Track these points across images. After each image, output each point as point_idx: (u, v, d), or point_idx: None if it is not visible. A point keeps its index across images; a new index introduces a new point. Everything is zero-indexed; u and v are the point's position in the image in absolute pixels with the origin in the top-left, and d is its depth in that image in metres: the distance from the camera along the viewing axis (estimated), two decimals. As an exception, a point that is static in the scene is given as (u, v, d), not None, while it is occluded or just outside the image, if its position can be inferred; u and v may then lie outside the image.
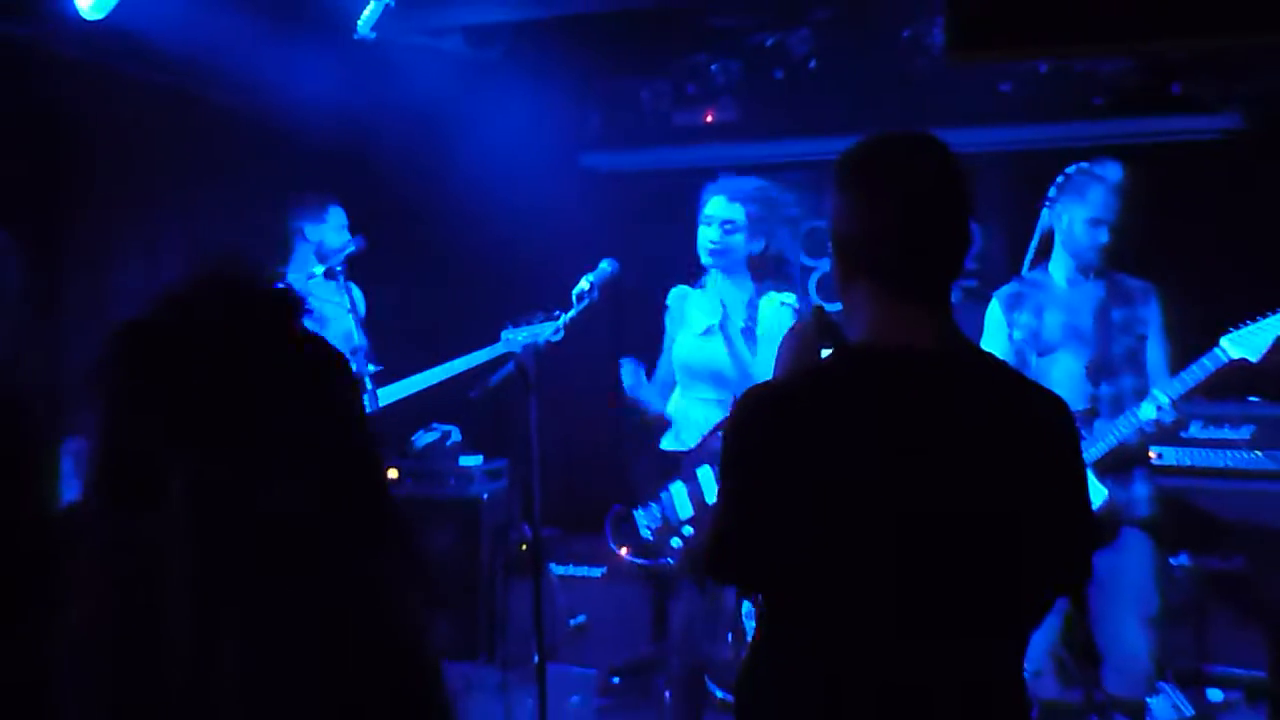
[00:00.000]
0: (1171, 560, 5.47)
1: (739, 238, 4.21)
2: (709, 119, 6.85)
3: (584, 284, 4.18)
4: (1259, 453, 5.47)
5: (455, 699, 1.75)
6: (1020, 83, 6.10)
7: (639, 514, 4.26)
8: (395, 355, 5.58)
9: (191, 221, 5.98)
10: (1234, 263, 5.98)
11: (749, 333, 4.21)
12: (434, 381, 5.50)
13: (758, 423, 1.96)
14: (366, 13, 5.35)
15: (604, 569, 5.75)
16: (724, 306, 4.23)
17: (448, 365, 5.46)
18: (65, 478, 4.98)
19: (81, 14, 4.44)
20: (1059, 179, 4.35)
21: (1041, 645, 4.29)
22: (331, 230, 5.57)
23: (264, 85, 5.75)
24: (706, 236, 4.21)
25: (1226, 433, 5.56)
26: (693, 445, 4.25)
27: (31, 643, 2.51)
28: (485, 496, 6.34)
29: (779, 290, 4.27)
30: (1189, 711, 5.27)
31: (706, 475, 4.17)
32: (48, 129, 5.07)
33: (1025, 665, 4.19)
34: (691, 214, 4.35)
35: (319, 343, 1.65)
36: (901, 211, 1.94)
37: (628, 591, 4.31)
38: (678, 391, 4.40)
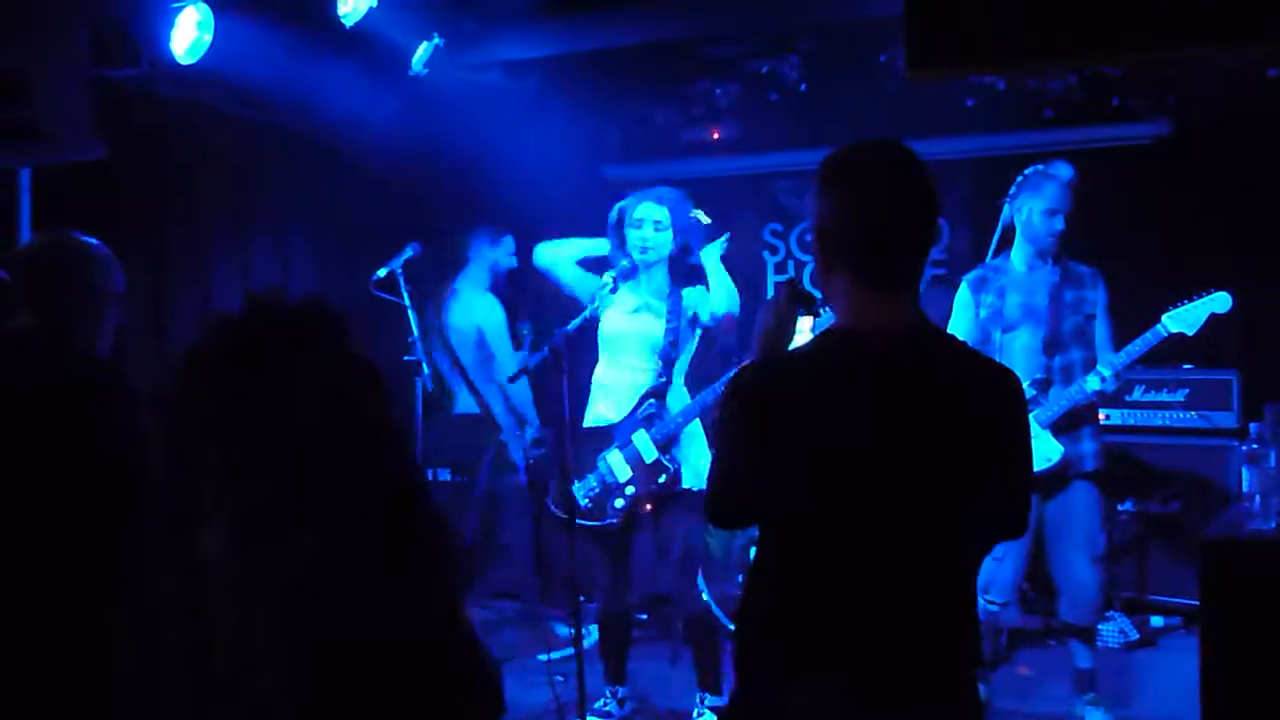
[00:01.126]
0: (1118, 506, 5.46)
1: (666, 235, 4.21)
2: (714, 136, 6.85)
3: (606, 278, 4.17)
4: (1193, 413, 5.48)
5: (497, 670, 1.69)
6: (981, 99, 6.08)
7: (576, 487, 4.23)
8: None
9: (278, 239, 5.99)
10: (1168, 251, 5.94)
11: (674, 313, 4.23)
12: None
13: (754, 392, 1.98)
14: (419, 52, 5.32)
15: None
16: (652, 291, 4.28)
17: None
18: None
19: (177, 59, 4.42)
20: (1019, 179, 4.37)
21: (1009, 581, 4.29)
22: (505, 253, 5.77)
23: (336, 116, 5.76)
24: (638, 236, 4.20)
25: (1165, 395, 5.56)
26: (623, 417, 4.24)
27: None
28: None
29: (691, 286, 4.29)
30: (1134, 635, 5.26)
31: (642, 438, 4.16)
32: (152, 161, 5.08)
33: (996, 598, 4.20)
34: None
35: (357, 361, 1.56)
36: (874, 209, 1.94)
37: (640, 532, 4.29)
38: (603, 363, 4.38)
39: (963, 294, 4.40)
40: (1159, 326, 4.09)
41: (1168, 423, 5.55)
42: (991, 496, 1.95)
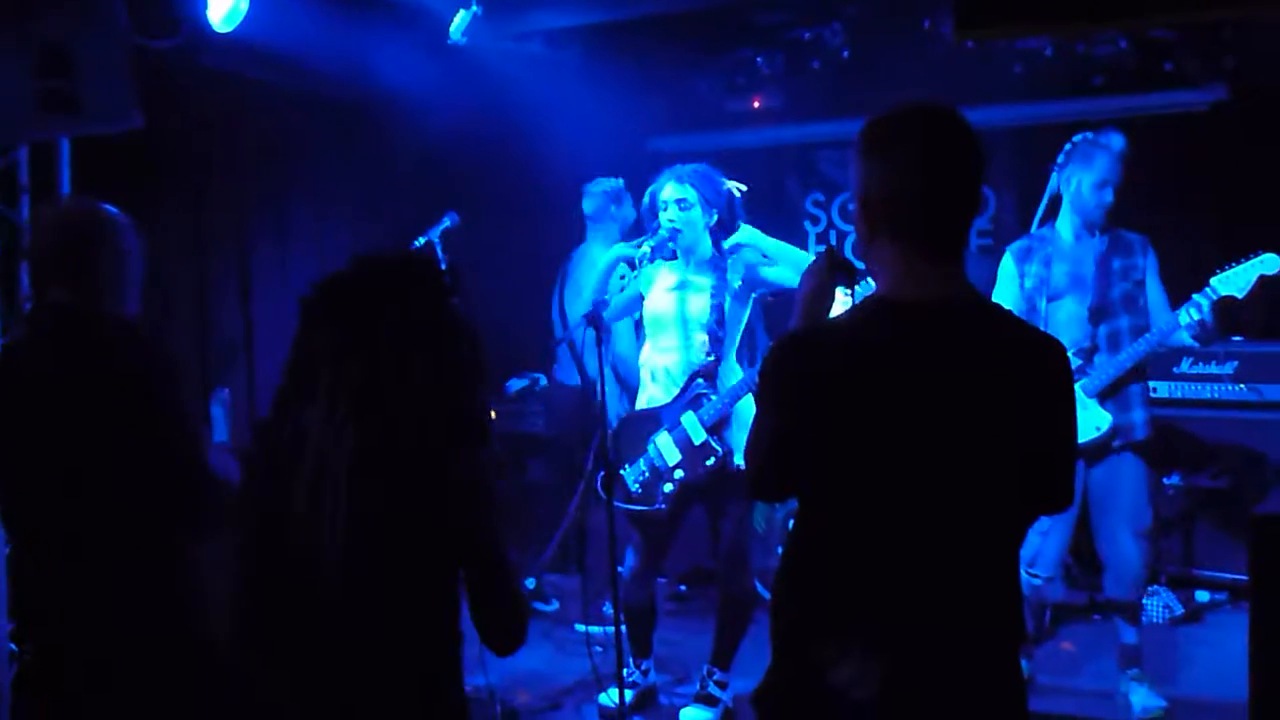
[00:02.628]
0: (1164, 480, 5.38)
1: (696, 212, 4.11)
2: (756, 105, 6.77)
3: (645, 248, 4.09)
4: (1241, 386, 5.39)
5: (518, 570, 2.12)
6: (1028, 65, 5.95)
7: (625, 472, 4.18)
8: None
9: (316, 203, 5.99)
10: (1224, 219, 5.81)
11: (719, 288, 4.12)
12: None
13: (796, 361, 1.93)
14: (458, 20, 5.28)
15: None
16: (693, 267, 4.19)
17: None
18: (215, 422, 5.04)
19: (214, 27, 4.41)
20: (1066, 147, 4.26)
21: (1053, 556, 4.24)
22: (630, 208, 5.55)
23: (375, 85, 5.74)
24: (666, 218, 4.11)
25: (1213, 368, 5.46)
26: (672, 398, 4.16)
27: (183, 565, 2.54)
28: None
29: (735, 254, 4.19)
30: (1180, 610, 5.18)
31: (690, 420, 4.10)
32: (191, 131, 5.09)
33: (1041, 573, 4.14)
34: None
35: (453, 307, 1.97)
36: (920, 174, 1.88)
37: (690, 510, 4.25)
38: (649, 345, 4.30)
39: (1006, 264, 4.32)
40: (1208, 289, 3.98)
41: (1217, 395, 5.45)
42: (1035, 468, 1.89)
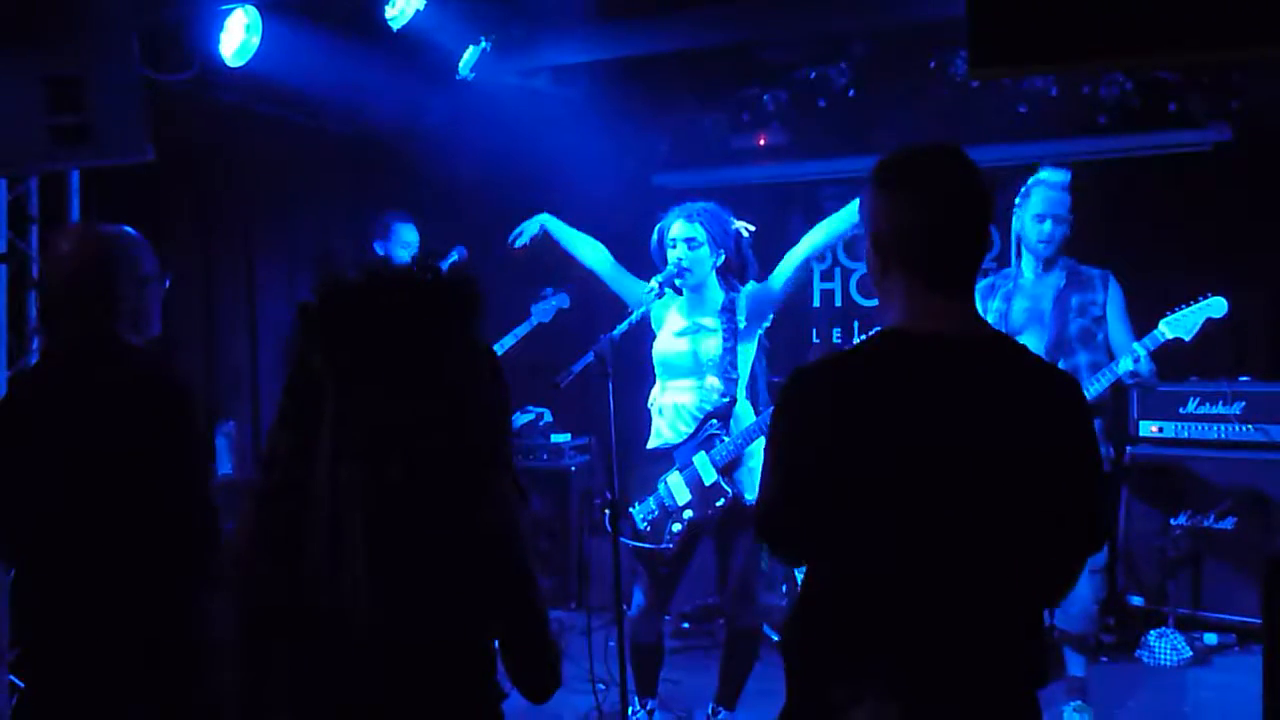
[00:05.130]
0: (1171, 520, 5.36)
1: (704, 251, 4.11)
2: (762, 142, 6.79)
3: (653, 283, 4.10)
4: (1249, 426, 5.37)
5: (546, 608, 1.88)
6: (1034, 104, 5.98)
7: (635, 509, 4.15)
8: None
9: (324, 237, 6.02)
10: (1222, 255, 5.80)
11: (729, 331, 4.12)
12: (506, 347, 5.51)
13: (808, 395, 1.93)
14: (467, 56, 5.32)
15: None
16: (702, 309, 4.17)
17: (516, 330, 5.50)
18: (218, 454, 5.02)
19: (226, 61, 4.44)
20: (1022, 190, 4.36)
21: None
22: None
23: (384, 120, 5.78)
24: (675, 256, 4.11)
25: (1220, 408, 5.45)
26: (683, 439, 4.14)
27: (192, 601, 2.52)
28: (573, 468, 6.33)
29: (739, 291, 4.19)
30: (1188, 653, 5.14)
31: (702, 460, 4.08)
32: (200, 164, 5.12)
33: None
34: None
35: (478, 343, 1.79)
36: (931, 211, 1.91)
37: (698, 548, 4.23)
38: (660, 386, 4.28)
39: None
40: (1156, 332, 4.10)
41: (1223, 436, 5.43)
42: (1062, 506, 1.87)
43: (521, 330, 5.29)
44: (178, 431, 2.46)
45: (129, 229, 2.64)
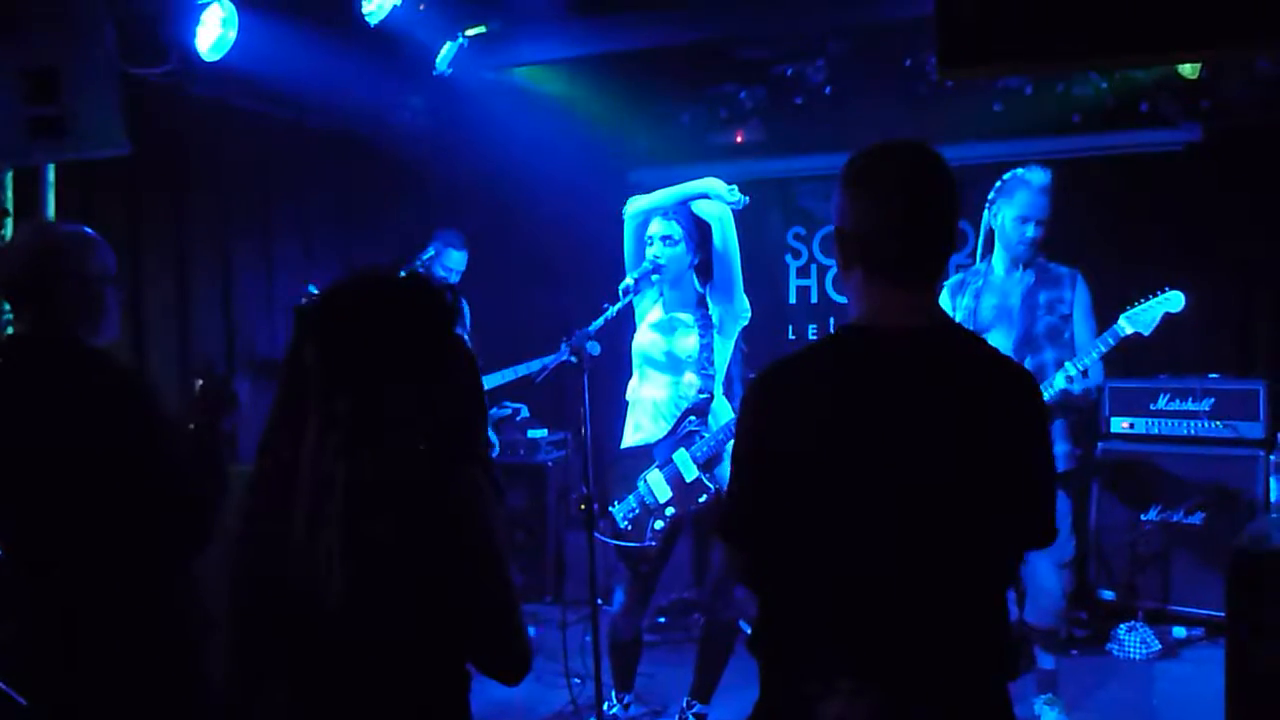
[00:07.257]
0: (1141, 515, 5.42)
1: (681, 248, 4.14)
2: (739, 139, 6.81)
3: (628, 280, 4.12)
4: (1218, 422, 5.42)
5: (519, 599, 1.96)
6: (1008, 104, 6.03)
7: (615, 508, 4.16)
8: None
9: (301, 233, 6.01)
10: (1191, 254, 5.86)
11: (704, 327, 4.15)
12: (504, 381, 5.55)
13: (771, 392, 1.95)
14: (444, 51, 5.33)
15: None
16: (679, 304, 4.21)
17: (519, 367, 5.50)
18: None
19: (202, 56, 4.44)
20: (997, 184, 4.38)
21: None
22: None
23: (361, 115, 5.77)
24: (652, 254, 4.13)
25: (1190, 405, 5.50)
26: (663, 435, 4.16)
27: (178, 584, 2.52)
28: (550, 463, 6.35)
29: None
30: (1157, 646, 5.20)
31: (682, 457, 4.11)
32: (177, 158, 5.10)
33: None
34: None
35: (452, 336, 1.89)
36: (897, 209, 1.91)
37: (678, 543, 4.25)
38: (636, 380, 4.30)
39: (942, 298, 4.40)
40: (1116, 327, 4.13)
41: (1193, 432, 5.49)
42: (1013, 499, 1.90)
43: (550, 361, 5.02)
44: (122, 424, 2.44)
45: (85, 229, 2.62)
